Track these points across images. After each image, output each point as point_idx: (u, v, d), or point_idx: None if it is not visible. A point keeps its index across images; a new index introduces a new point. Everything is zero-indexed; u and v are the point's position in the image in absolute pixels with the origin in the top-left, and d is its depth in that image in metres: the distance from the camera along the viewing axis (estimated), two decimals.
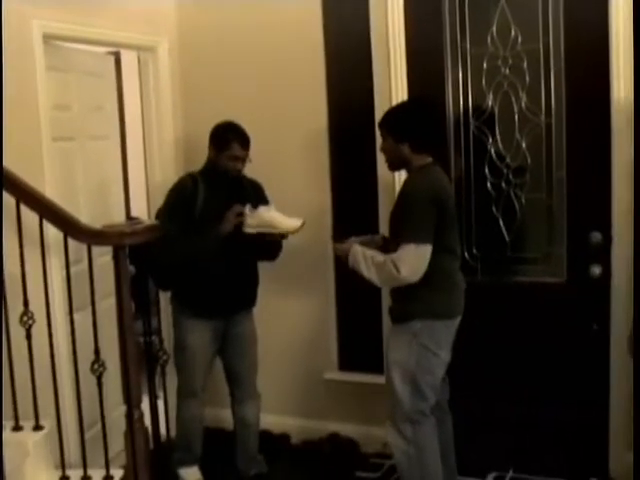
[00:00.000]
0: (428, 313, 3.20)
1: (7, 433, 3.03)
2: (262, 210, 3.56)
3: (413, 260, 3.08)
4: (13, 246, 3.00)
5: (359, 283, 3.39)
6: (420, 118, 3.29)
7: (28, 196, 2.98)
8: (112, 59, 4.45)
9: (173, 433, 3.91)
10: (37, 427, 3.18)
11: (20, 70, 3.34)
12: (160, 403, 3.53)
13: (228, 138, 3.64)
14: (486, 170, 3.87)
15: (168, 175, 4.25)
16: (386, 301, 3.59)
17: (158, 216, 3.73)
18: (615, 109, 3.53)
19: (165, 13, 4.38)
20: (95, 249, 2.98)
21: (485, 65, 3.81)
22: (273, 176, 4.00)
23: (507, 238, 3.87)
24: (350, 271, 3.35)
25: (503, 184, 3.85)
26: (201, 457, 3.95)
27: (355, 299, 4.23)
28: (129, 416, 2.90)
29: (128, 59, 5.03)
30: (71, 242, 2.96)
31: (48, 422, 3.20)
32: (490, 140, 3.85)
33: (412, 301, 3.20)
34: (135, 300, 3.00)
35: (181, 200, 3.65)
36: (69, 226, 2.94)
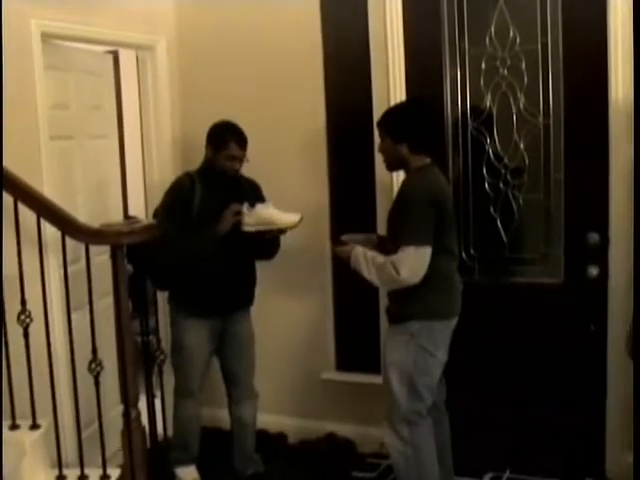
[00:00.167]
0: (426, 314, 3.21)
1: (4, 432, 3.03)
2: (260, 208, 3.56)
3: (413, 262, 3.08)
4: (11, 245, 3.00)
5: (356, 283, 3.40)
6: (419, 119, 3.29)
7: (26, 195, 2.98)
8: (110, 58, 4.45)
9: (170, 432, 3.91)
10: (34, 426, 3.19)
11: (19, 69, 3.34)
12: (157, 402, 3.53)
13: (225, 138, 3.64)
14: (484, 171, 3.87)
15: (166, 174, 4.25)
16: (383, 301, 3.59)
17: (156, 215, 3.74)
18: (613, 110, 3.53)
19: (164, 12, 4.38)
20: (93, 248, 2.98)
21: (483, 65, 3.81)
22: (271, 176, 4.00)
23: (505, 239, 3.88)
24: (347, 271, 3.35)
25: (501, 185, 3.85)
26: (198, 457, 3.95)
27: (352, 299, 4.24)
28: (126, 415, 2.90)
29: (126, 58, 5.03)
30: (69, 241, 2.96)
31: (45, 421, 3.20)
32: (488, 141, 3.85)
33: (410, 302, 3.20)
34: (133, 299, 3.00)
35: (179, 199, 3.65)
36: (67, 225, 2.94)
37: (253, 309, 3.91)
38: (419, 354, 3.22)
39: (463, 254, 3.91)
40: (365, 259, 3.22)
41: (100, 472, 3.10)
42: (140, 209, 5.01)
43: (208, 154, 3.72)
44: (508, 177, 3.83)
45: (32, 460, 3.10)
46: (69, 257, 3.01)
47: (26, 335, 3.07)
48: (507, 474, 3.89)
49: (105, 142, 4.23)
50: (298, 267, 4.28)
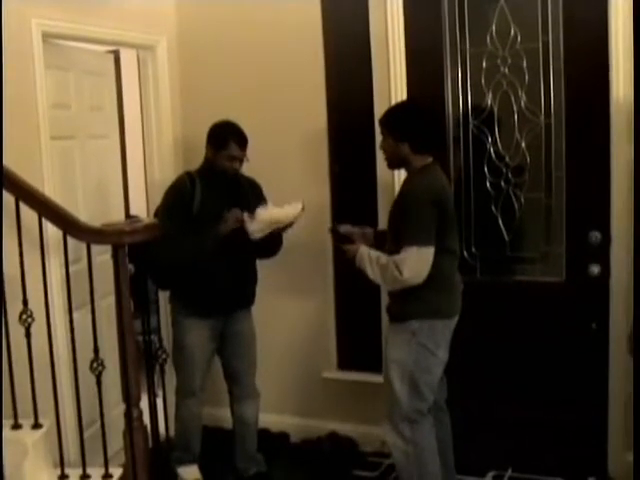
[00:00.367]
0: (427, 312, 3.21)
1: (6, 431, 3.02)
2: (261, 213, 3.54)
3: (415, 263, 3.08)
4: (12, 244, 3.00)
5: (358, 282, 3.40)
6: (421, 119, 3.29)
7: (28, 195, 2.98)
8: (111, 58, 4.45)
9: (172, 432, 3.91)
10: (36, 425, 3.18)
11: (19, 69, 3.34)
12: (159, 402, 3.53)
13: (226, 138, 3.64)
14: (485, 169, 3.87)
15: (167, 173, 4.25)
16: (385, 300, 3.59)
17: (157, 215, 3.74)
18: (614, 109, 3.53)
19: (164, 12, 4.38)
20: (94, 248, 2.98)
21: (484, 64, 3.81)
22: (273, 175, 4.00)
23: (506, 237, 3.88)
24: (349, 270, 3.35)
25: (502, 183, 3.85)
26: (200, 456, 3.95)
27: (354, 298, 4.24)
28: (128, 415, 2.90)
29: (127, 58, 5.03)
30: (70, 241, 2.96)
31: (47, 420, 3.20)
32: (489, 139, 3.85)
33: (411, 300, 3.20)
34: (134, 299, 3.00)
35: (179, 199, 3.66)
36: (68, 225, 2.94)
37: (255, 308, 3.91)
38: (420, 353, 3.22)
39: (465, 253, 3.90)
40: (370, 259, 3.22)
41: (102, 471, 3.10)
42: (141, 208, 5.02)
43: (208, 154, 3.72)
44: (509, 176, 3.83)
45: (34, 460, 3.09)
46: (71, 257, 3.01)
47: (28, 335, 3.07)
48: (509, 473, 3.90)
49: (106, 142, 4.24)
50: (300, 266, 4.28)
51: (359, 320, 4.27)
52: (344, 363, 4.36)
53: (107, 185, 4.22)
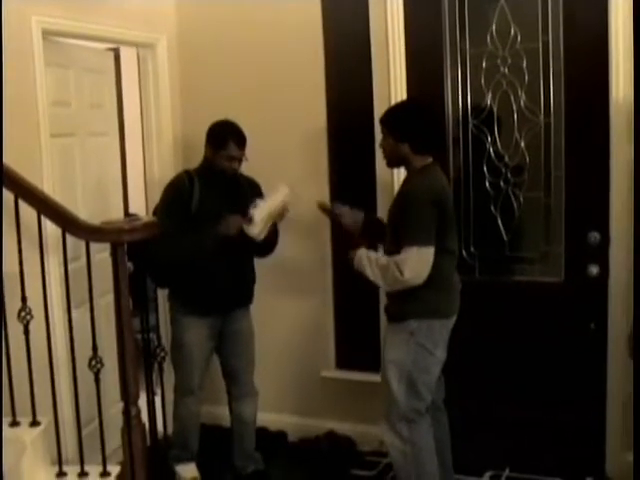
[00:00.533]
0: (425, 312, 3.21)
1: (4, 429, 3.02)
2: (256, 214, 3.55)
3: (416, 263, 3.08)
4: (11, 242, 3.00)
5: (357, 282, 3.40)
6: (421, 120, 3.29)
7: (27, 192, 2.97)
8: (111, 56, 4.45)
9: (170, 430, 3.91)
10: (34, 423, 3.18)
11: (19, 66, 3.34)
12: (157, 400, 3.53)
13: (225, 138, 3.64)
14: (485, 169, 3.87)
15: (167, 172, 4.25)
16: (383, 300, 3.59)
17: (156, 213, 3.74)
18: (614, 109, 3.53)
19: (164, 10, 4.39)
20: (93, 246, 2.97)
21: (484, 64, 3.81)
22: (272, 174, 3.99)
23: (505, 237, 3.88)
24: (348, 269, 3.35)
25: (501, 183, 3.85)
26: (198, 454, 3.95)
27: (352, 297, 4.24)
28: (126, 413, 2.90)
29: (127, 56, 5.03)
30: (69, 238, 2.95)
31: (45, 418, 3.20)
32: (489, 139, 3.85)
33: (409, 300, 3.20)
34: (133, 297, 3.00)
35: (178, 197, 3.66)
36: (67, 222, 2.93)
37: (254, 307, 3.91)
38: (418, 352, 3.22)
39: (463, 252, 3.91)
40: (369, 260, 3.22)
41: (100, 469, 3.10)
42: (141, 206, 5.02)
43: (207, 153, 3.72)
44: (509, 175, 3.83)
45: (32, 457, 3.09)
46: (69, 254, 3.01)
47: (26, 332, 3.07)
48: (507, 472, 3.90)
49: (106, 139, 4.23)
50: (298, 265, 4.28)
51: (357, 319, 4.27)
52: (342, 362, 4.37)
53: (106, 183, 4.22)
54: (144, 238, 2.92)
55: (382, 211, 3.85)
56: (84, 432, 3.19)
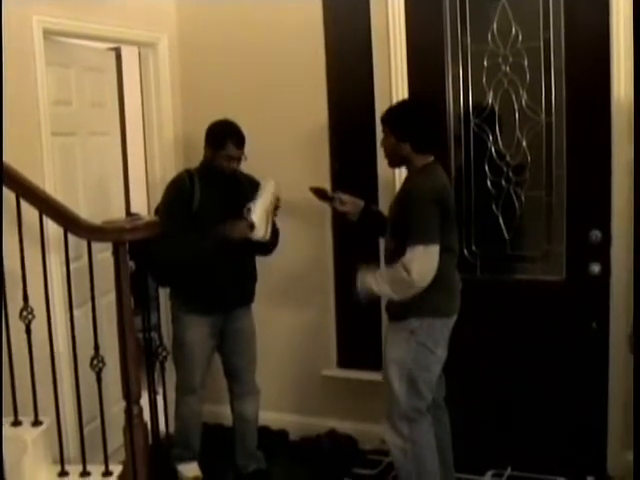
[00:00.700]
0: (426, 311, 3.20)
1: (6, 428, 3.02)
2: (254, 219, 3.56)
3: (422, 261, 3.07)
4: (13, 241, 2.99)
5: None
6: (422, 119, 3.28)
7: (28, 191, 2.97)
8: (113, 55, 4.46)
9: (172, 429, 3.91)
10: (36, 422, 3.18)
11: (20, 66, 3.34)
12: (159, 399, 3.53)
13: (223, 138, 3.64)
14: (486, 168, 3.87)
15: (168, 171, 4.25)
16: (385, 299, 3.59)
17: (157, 212, 3.74)
18: (615, 107, 3.53)
19: (165, 9, 4.39)
20: (95, 245, 2.97)
21: (485, 63, 3.81)
22: (274, 173, 3.98)
23: (507, 236, 3.88)
24: (349, 266, 3.35)
25: (503, 182, 3.85)
26: (200, 453, 3.96)
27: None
28: (128, 412, 2.89)
29: (129, 55, 5.03)
30: (71, 238, 2.95)
31: (47, 417, 3.20)
32: (490, 138, 3.85)
33: (410, 299, 3.20)
34: (135, 296, 3.00)
35: (179, 196, 3.66)
36: (69, 222, 2.93)
37: (255, 306, 3.92)
38: (419, 351, 3.22)
39: (465, 251, 3.91)
40: (373, 277, 3.21)
41: (102, 468, 3.10)
42: (142, 206, 5.02)
43: (207, 153, 3.73)
44: (510, 174, 3.83)
45: (34, 456, 3.09)
46: (71, 254, 3.00)
47: (28, 332, 3.06)
48: (508, 471, 3.90)
49: (107, 139, 4.24)
50: (300, 265, 4.28)
51: (359, 318, 4.27)
52: (344, 361, 4.37)
53: (108, 182, 4.22)
54: (146, 237, 2.92)
55: (384, 209, 3.84)
56: (86, 431, 3.18)
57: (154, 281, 3.71)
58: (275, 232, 3.75)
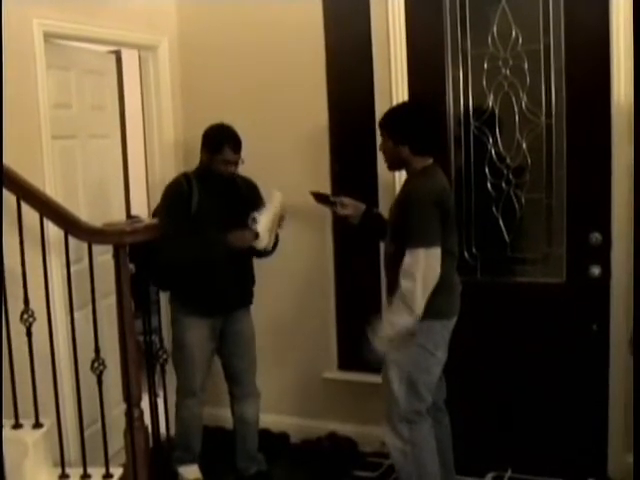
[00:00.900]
0: (426, 313, 3.19)
1: (7, 431, 3.02)
2: (260, 229, 3.58)
3: (425, 264, 3.06)
4: (14, 244, 3.00)
5: (359, 282, 3.40)
6: (420, 121, 3.28)
7: (29, 194, 2.98)
8: (113, 58, 4.45)
9: (173, 432, 3.91)
10: (37, 425, 3.18)
11: (21, 68, 3.34)
12: (160, 402, 3.53)
13: (220, 142, 3.65)
14: (486, 170, 3.87)
15: (168, 173, 4.25)
16: (385, 300, 3.59)
17: (155, 215, 3.74)
18: (615, 110, 3.53)
19: (166, 12, 4.39)
20: (95, 248, 2.98)
21: (486, 65, 3.81)
22: (274, 175, 4.01)
23: (507, 238, 3.88)
24: (350, 270, 3.35)
25: (503, 184, 3.85)
26: (201, 456, 3.95)
27: (355, 298, 4.24)
28: (129, 414, 2.90)
29: (129, 58, 5.03)
30: (72, 240, 2.96)
31: (48, 420, 3.20)
32: (490, 140, 3.85)
33: None
34: (135, 299, 3.00)
35: (177, 199, 3.67)
36: (70, 224, 2.94)
37: (256, 308, 3.92)
38: (419, 353, 3.22)
39: (465, 253, 3.91)
40: (385, 322, 3.17)
41: (102, 471, 3.10)
42: (142, 208, 5.01)
43: (203, 157, 3.74)
44: (510, 176, 3.83)
45: (34, 459, 3.10)
46: (72, 256, 3.01)
47: (29, 334, 3.07)
48: (509, 473, 3.90)
49: (107, 141, 4.24)
50: (300, 266, 4.28)
51: (360, 320, 4.26)
52: (344, 363, 4.36)
53: (108, 185, 4.22)
54: (146, 240, 2.92)
55: (384, 211, 3.85)
56: (86, 434, 3.19)
57: (154, 285, 3.71)
58: (275, 239, 3.76)
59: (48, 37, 3.51)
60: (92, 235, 2.94)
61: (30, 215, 2.99)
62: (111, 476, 3.10)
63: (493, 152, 3.85)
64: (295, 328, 4.40)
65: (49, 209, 2.97)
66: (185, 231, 3.58)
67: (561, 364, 3.81)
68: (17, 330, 3.06)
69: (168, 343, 3.80)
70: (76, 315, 3.09)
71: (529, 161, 3.78)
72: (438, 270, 3.09)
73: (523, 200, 3.82)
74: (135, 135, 5.02)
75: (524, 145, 3.78)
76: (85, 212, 3.76)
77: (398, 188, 3.63)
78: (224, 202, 3.71)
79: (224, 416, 4.14)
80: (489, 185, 3.88)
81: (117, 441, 3.18)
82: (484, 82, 3.82)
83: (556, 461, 3.85)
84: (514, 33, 3.73)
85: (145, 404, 3.00)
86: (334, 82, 4.14)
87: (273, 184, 3.86)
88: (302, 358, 4.42)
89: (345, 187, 4.14)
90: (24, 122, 3.37)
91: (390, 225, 3.34)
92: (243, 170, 3.77)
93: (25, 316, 3.07)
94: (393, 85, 3.95)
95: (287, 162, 4.24)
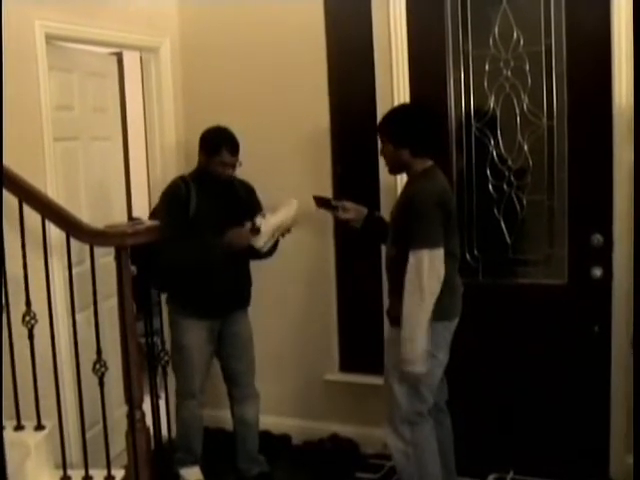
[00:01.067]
0: None
1: (9, 433, 3.02)
2: (263, 226, 3.57)
3: (430, 265, 3.07)
4: (15, 246, 3.00)
5: (360, 284, 3.40)
6: (418, 123, 3.29)
7: (31, 196, 2.98)
8: (114, 60, 4.45)
9: (174, 433, 3.91)
10: (39, 427, 3.19)
11: (22, 70, 3.35)
12: (162, 403, 3.53)
13: (218, 144, 3.66)
14: (488, 172, 3.87)
15: (170, 175, 4.23)
16: (387, 303, 3.59)
17: (151, 218, 3.74)
18: (616, 111, 3.53)
19: (167, 14, 4.39)
20: (97, 250, 2.98)
21: (487, 67, 3.81)
22: (275, 177, 4.01)
23: (508, 240, 3.88)
24: (351, 272, 3.34)
25: (505, 186, 3.85)
26: (202, 457, 3.95)
27: (356, 300, 4.24)
28: (130, 416, 2.90)
29: (130, 60, 5.03)
30: (73, 242, 2.96)
31: (50, 422, 3.20)
32: (492, 142, 3.85)
33: None
34: (137, 301, 3.00)
35: (176, 202, 3.68)
36: (71, 226, 2.94)
37: (258, 310, 3.92)
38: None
39: (467, 255, 3.91)
40: (403, 342, 3.13)
41: (104, 473, 3.09)
42: (144, 210, 5.00)
43: (201, 160, 3.75)
44: (512, 178, 3.83)
45: (36, 461, 3.10)
46: (74, 258, 3.01)
47: (31, 336, 3.07)
48: (511, 475, 3.90)
49: (109, 143, 4.24)
50: (302, 268, 4.28)
51: (361, 322, 4.27)
52: (346, 365, 4.36)
53: (110, 187, 4.23)
54: (147, 242, 2.92)
55: (385, 213, 3.84)
56: (88, 436, 3.18)
57: (153, 287, 3.71)
58: (274, 245, 3.75)
59: (50, 39, 3.51)
60: (94, 237, 2.94)
61: (32, 217, 2.99)
62: (113, 478, 3.09)
63: (494, 154, 3.85)
64: (297, 330, 4.40)
65: (51, 211, 2.97)
66: (184, 235, 3.58)
67: (563, 365, 3.81)
68: (19, 332, 3.07)
69: (170, 345, 3.80)
70: (78, 317, 3.08)
71: (530, 163, 3.78)
72: (442, 271, 3.09)
73: (525, 202, 3.82)
74: (137, 137, 5.03)
75: (525, 147, 3.78)
76: (87, 214, 3.76)
77: (399, 190, 3.63)
78: (222, 205, 3.72)
79: (224, 417, 4.14)
80: (490, 187, 3.88)
81: (119, 443, 3.17)
82: (485, 84, 3.82)
83: (558, 462, 3.85)
84: (515, 35, 3.73)
85: (147, 406, 3.00)
86: (336, 84, 4.15)
87: (275, 186, 3.87)
88: (304, 360, 4.42)
89: (347, 190, 4.15)
90: (26, 124, 3.37)
91: (391, 227, 3.34)
92: (245, 171, 3.77)
93: (27, 318, 3.07)
94: (394, 87, 3.95)
95: (288, 164, 4.24)
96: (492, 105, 3.83)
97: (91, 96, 4.01)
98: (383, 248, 3.60)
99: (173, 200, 3.69)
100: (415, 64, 3.93)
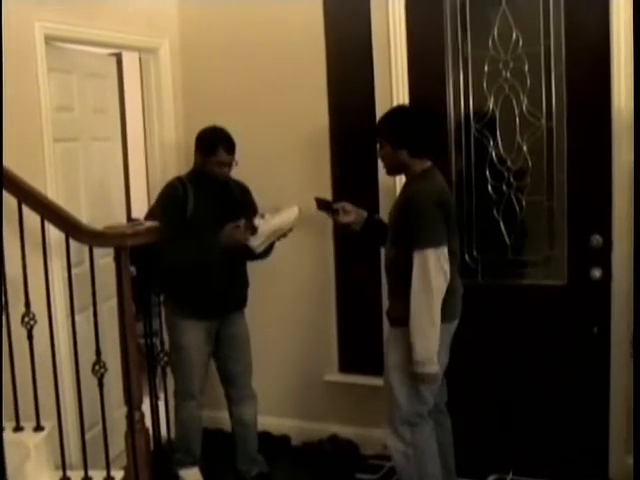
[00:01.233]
0: None
1: (8, 434, 3.02)
2: (261, 227, 3.56)
3: (435, 263, 3.07)
4: (15, 247, 3.00)
5: (359, 285, 3.40)
6: (416, 124, 3.29)
7: (30, 197, 2.98)
8: (114, 60, 4.46)
9: (174, 434, 3.91)
10: (38, 428, 3.19)
11: (22, 71, 3.35)
12: (161, 404, 3.53)
13: (214, 144, 3.66)
14: (487, 173, 3.87)
15: (169, 176, 4.23)
16: (386, 304, 3.59)
17: (148, 219, 3.74)
18: (616, 112, 3.53)
19: (167, 14, 4.39)
20: (96, 250, 2.98)
21: (486, 68, 3.81)
22: (274, 178, 4.01)
23: (508, 241, 3.88)
24: (351, 273, 3.33)
25: (504, 187, 3.85)
26: (201, 458, 3.95)
27: (355, 301, 4.24)
28: (130, 417, 2.90)
29: (130, 60, 5.04)
30: (73, 243, 2.96)
31: (49, 423, 3.20)
32: (491, 143, 3.85)
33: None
34: (136, 302, 3.00)
35: (173, 202, 3.68)
36: (71, 227, 2.94)
37: (257, 311, 3.92)
38: None
39: (466, 256, 3.91)
40: (414, 344, 3.12)
41: (104, 474, 3.09)
42: (143, 211, 4.96)
43: (197, 160, 3.75)
44: (511, 179, 3.83)
45: (36, 462, 3.10)
46: (73, 259, 3.01)
47: (30, 337, 3.07)
48: (510, 476, 3.89)
49: (108, 144, 4.24)
50: (302, 270, 4.28)
51: (360, 323, 4.27)
52: (346, 366, 4.36)
53: (109, 187, 4.23)
54: (147, 243, 2.92)
55: (384, 214, 3.85)
56: (88, 437, 3.18)
57: (152, 289, 3.71)
58: (269, 247, 3.75)
59: (49, 40, 3.51)
60: (93, 238, 2.94)
61: (31, 218, 2.99)
62: (112, 479, 3.09)
63: (494, 155, 3.85)
64: (297, 331, 4.40)
65: (50, 212, 2.97)
66: (182, 236, 3.58)
67: (562, 366, 3.81)
68: (18, 333, 3.07)
69: (168, 346, 3.80)
70: (77, 318, 3.08)
71: (530, 164, 3.79)
72: (448, 269, 3.09)
73: (524, 203, 3.82)
74: (136, 138, 5.03)
75: (525, 148, 3.78)
76: (86, 215, 3.76)
77: (398, 191, 3.63)
78: (219, 205, 3.72)
79: (223, 418, 4.14)
80: (490, 188, 3.88)
81: (118, 444, 3.17)
82: (484, 85, 3.82)
83: (557, 463, 3.85)
84: (515, 35, 3.73)
85: (146, 407, 3.00)
86: (335, 85, 4.15)
87: (274, 186, 3.87)
88: (303, 361, 4.42)
89: (345, 190, 4.15)
90: (26, 125, 3.37)
91: (391, 229, 3.34)
92: (244, 171, 3.77)
93: (26, 319, 3.07)
94: (394, 87, 3.95)
95: (287, 165, 4.24)
96: (491, 106, 3.83)
97: (91, 97, 4.01)
98: (382, 250, 3.60)
99: (171, 201, 3.70)
100: (414, 65, 3.93)
